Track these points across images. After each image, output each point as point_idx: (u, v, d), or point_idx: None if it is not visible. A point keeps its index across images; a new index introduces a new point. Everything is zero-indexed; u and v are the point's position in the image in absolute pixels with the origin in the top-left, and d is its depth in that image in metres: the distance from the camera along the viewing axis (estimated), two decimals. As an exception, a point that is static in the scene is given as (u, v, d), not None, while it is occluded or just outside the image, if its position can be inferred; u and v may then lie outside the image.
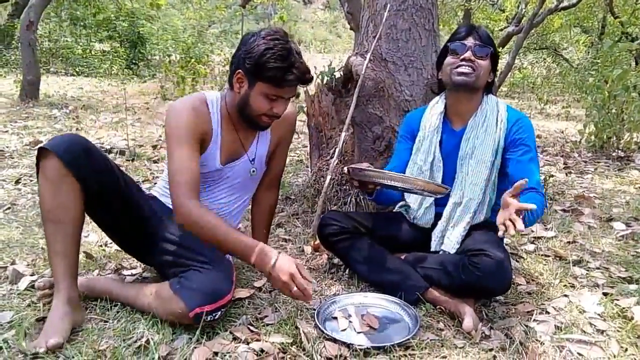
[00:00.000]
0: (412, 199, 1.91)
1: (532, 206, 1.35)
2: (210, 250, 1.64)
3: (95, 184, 1.49)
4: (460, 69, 1.73)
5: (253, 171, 1.80)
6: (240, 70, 1.58)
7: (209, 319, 1.42)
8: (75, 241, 1.50)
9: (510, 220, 1.34)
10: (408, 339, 1.46)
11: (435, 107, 1.89)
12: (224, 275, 1.52)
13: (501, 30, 13.38)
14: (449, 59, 1.78)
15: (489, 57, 1.75)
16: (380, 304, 1.71)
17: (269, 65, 1.51)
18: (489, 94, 1.84)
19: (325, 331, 1.49)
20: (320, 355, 1.38)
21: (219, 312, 1.44)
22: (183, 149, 1.54)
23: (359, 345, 1.42)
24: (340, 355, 1.38)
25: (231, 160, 1.74)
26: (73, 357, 1.33)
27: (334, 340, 1.45)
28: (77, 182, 1.45)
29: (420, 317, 1.59)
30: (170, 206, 1.74)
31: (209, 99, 1.67)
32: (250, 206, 2.01)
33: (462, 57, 1.73)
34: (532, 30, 11.56)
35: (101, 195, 1.52)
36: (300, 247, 2.27)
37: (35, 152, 1.47)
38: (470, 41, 1.74)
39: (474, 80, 1.73)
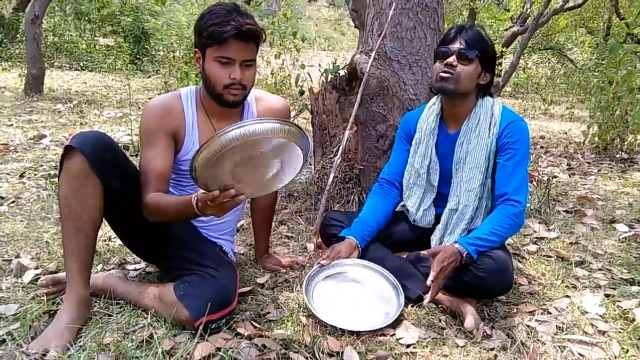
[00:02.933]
0: (410, 203, 1.91)
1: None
2: (215, 255, 1.65)
3: (117, 184, 1.49)
4: (441, 74, 1.72)
5: None
6: (195, 49, 1.58)
7: (213, 326, 1.44)
8: (92, 241, 1.50)
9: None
10: (387, 325, 1.54)
11: (432, 109, 1.89)
12: (228, 283, 1.53)
13: (506, 30, 13.36)
14: (436, 64, 1.77)
15: (477, 59, 1.71)
16: (365, 273, 1.76)
17: (207, 24, 1.49)
18: (485, 96, 1.81)
19: (309, 304, 1.57)
20: (322, 352, 1.39)
21: (223, 320, 1.47)
22: (149, 150, 1.58)
23: (332, 325, 1.50)
24: (341, 353, 1.39)
25: None
26: (77, 351, 1.34)
27: (329, 330, 1.47)
28: (101, 183, 1.45)
29: (402, 299, 1.64)
30: None
31: (183, 94, 1.68)
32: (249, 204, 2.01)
33: (445, 62, 1.71)
34: (537, 31, 11.53)
35: (121, 196, 1.52)
36: (303, 244, 2.27)
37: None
38: (455, 45, 1.71)
39: (453, 87, 1.71)
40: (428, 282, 1.54)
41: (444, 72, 1.71)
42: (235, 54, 1.52)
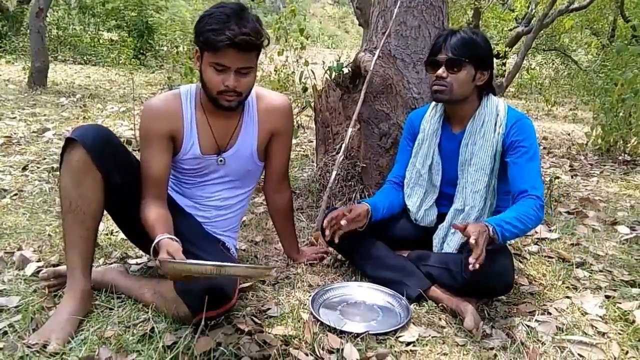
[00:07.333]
0: (411, 202, 1.91)
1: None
2: (217, 251, 1.66)
3: (117, 177, 1.50)
4: (434, 87, 1.72)
5: (220, 161, 1.70)
6: (196, 48, 1.54)
7: (212, 323, 1.45)
8: (93, 234, 1.51)
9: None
10: (399, 327, 1.52)
11: (435, 110, 1.88)
12: (228, 280, 1.51)
13: (510, 30, 13.32)
14: (430, 74, 1.76)
15: (468, 64, 1.68)
16: (373, 294, 1.76)
17: (204, 29, 1.44)
18: (488, 94, 1.80)
19: (320, 318, 1.54)
20: (322, 348, 1.40)
21: (222, 316, 1.48)
22: (146, 151, 1.59)
23: (350, 332, 1.48)
24: (341, 350, 1.39)
25: (214, 152, 1.70)
26: (78, 344, 1.35)
27: (331, 330, 1.48)
28: (101, 175, 1.46)
29: (411, 308, 1.63)
30: (179, 201, 1.76)
31: (183, 93, 1.65)
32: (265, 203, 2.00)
33: (435, 74, 1.71)
34: (542, 31, 11.50)
35: (121, 189, 1.53)
36: (304, 241, 2.27)
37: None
38: (442, 56, 1.69)
39: (448, 97, 1.72)
40: (471, 241, 1.41)
41: (436, 84, 1.71)
42: (230, 62, 1.46)
